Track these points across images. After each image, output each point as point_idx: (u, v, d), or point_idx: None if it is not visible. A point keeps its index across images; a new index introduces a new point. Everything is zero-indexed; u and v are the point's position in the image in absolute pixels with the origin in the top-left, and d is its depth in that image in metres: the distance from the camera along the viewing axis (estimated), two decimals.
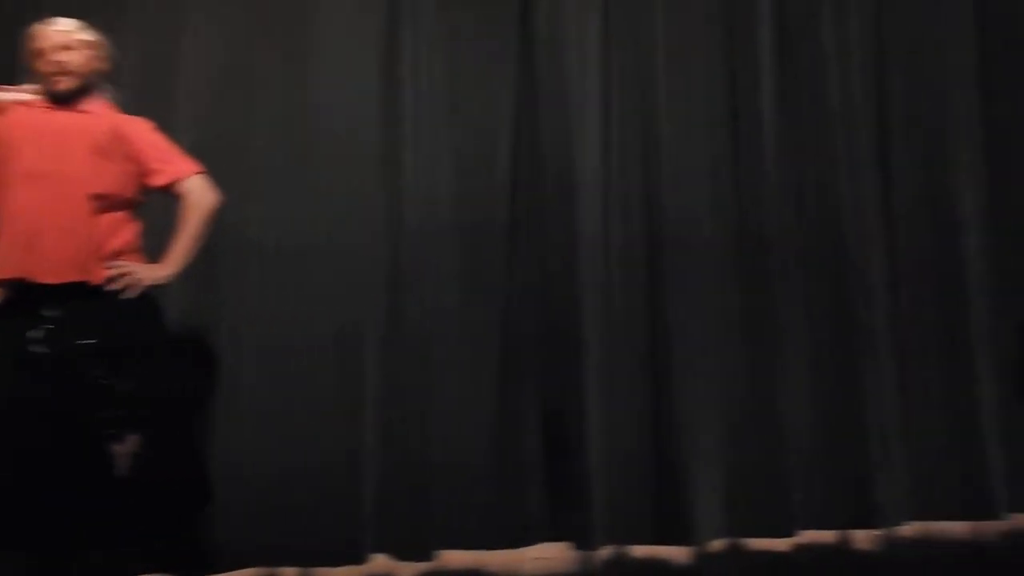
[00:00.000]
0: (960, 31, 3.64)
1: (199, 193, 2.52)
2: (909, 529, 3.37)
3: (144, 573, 2.90)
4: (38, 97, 2.42)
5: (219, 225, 2.64)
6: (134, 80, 3.01)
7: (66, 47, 2.38)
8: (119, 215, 2.40)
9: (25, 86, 2.45)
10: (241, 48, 3.26)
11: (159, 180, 2.49)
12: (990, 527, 3.39)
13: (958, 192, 3.55)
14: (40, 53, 2.39)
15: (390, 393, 3.18)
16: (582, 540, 3.17)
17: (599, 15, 3.44)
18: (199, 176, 2.54)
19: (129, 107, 2.60)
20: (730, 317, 3.37)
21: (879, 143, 3.56)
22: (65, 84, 2.38)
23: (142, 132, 2.50)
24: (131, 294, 2.36)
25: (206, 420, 3.05)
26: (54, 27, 2.41)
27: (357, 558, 3.06)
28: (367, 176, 3.25)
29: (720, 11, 3.51)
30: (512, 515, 3.18)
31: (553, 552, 3.20)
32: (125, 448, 2.34)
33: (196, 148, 2.72)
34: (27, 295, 2.25)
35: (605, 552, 3.18)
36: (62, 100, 2.40)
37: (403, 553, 3.10)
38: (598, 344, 3.24)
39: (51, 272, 2.26)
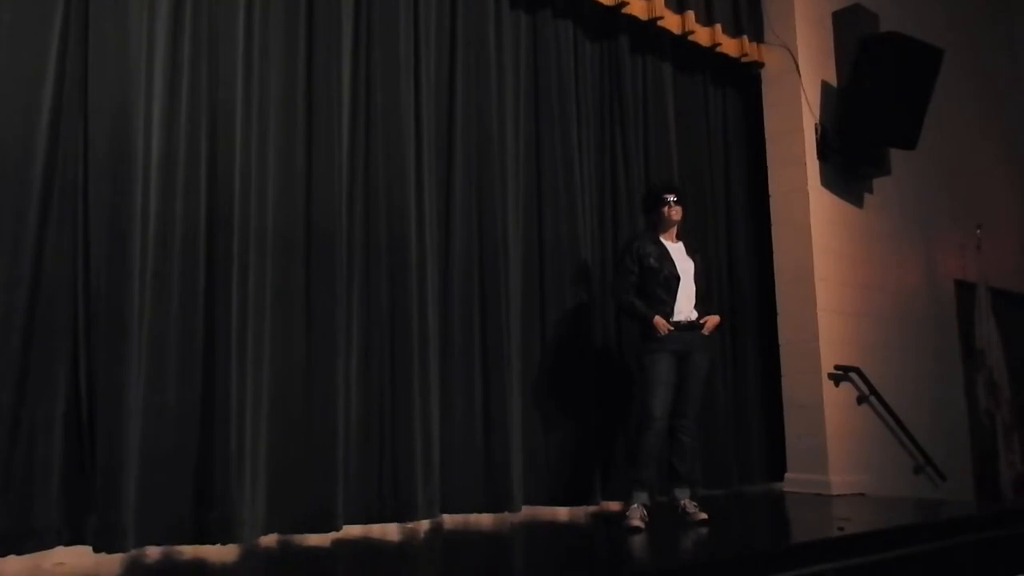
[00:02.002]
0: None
1: None
2: (440, 520, 3.75)
3: None
4: None
5: None
6: None
7: None
8: None
9: None
10: None
11: None
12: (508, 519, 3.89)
13: (503, 208, 4.13)
14: None
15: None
16: (111, 543, 2.91)
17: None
18: None
19: None
20: (289, 311, 3.46)
21: (445, 157, 4.04)
22: None
23: None
24: None
25: None
26: None
27: None
28: None
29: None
30: (24, 519, 2.83)
31: (78, 557, 2.93)
32: None
33: None
34: None
35: (133, 554, 3.00)
36: None
37: None
38: (141, 333, 3.07)
39: None
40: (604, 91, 4.86)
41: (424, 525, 3.70)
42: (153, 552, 3.08)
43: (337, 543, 3.37)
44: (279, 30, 3.60)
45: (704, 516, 3.69)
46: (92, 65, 3.09)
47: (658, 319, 3.69)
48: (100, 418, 2.95)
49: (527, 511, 4.02)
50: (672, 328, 3.70)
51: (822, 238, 5.27)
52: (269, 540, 3.31)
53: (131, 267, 3.03)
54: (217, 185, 3.33)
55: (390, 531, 3.64)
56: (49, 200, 3.00)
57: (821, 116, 5.38)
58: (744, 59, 5.38)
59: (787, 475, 5.15)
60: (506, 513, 3.90)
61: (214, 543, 3.13)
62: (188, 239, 3.24)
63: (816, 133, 5.33)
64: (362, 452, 3.58)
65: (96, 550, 2.90)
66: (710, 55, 5.29)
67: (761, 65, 5.50)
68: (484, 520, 3.88)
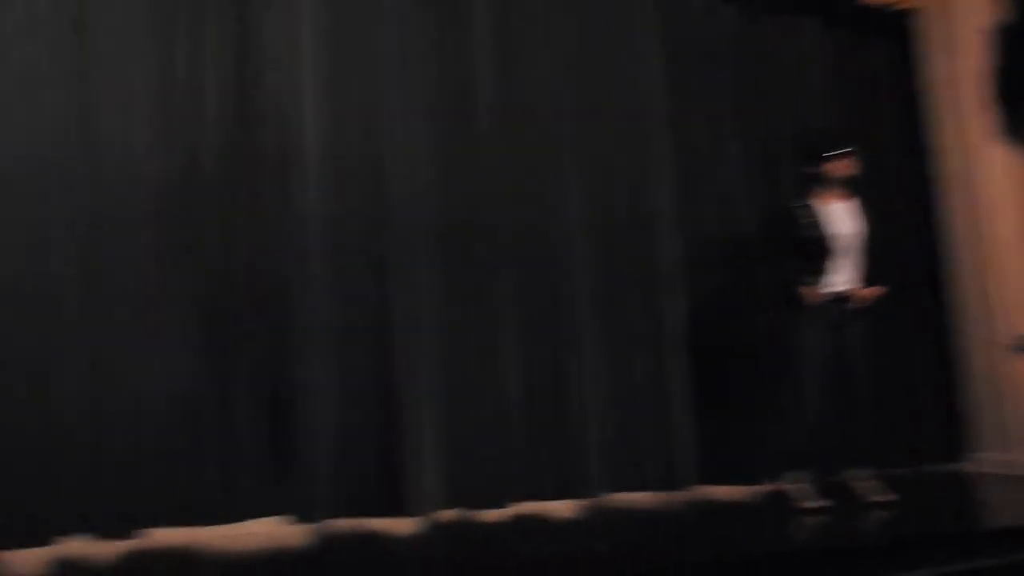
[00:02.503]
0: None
1: None
2: (608, 499, 3.69)
3: None
4: None
5: None
6: None
7: None
8: None
9: None
10: None
11: None
12: (676, 497, 3.79)
13: (652, 194, 4.00)
14: None
15: (90, 356, 2.93)
16: (304, 514, 3.09)
17: None
18: None
19: None
20: (451, 297, 3.51)
21: (582, 146, 3.93)
22: None
23: None
24: None
25: None
26: None
27: (45, 539, 2.73)
28: (68, 133, 2.99)
29: None
30: (227, 489, 3.03)
31: (272, 527, 3.08)
32: None
33: None
34: None
35: (328, 525, 3.12)
36: None
37: (103, 531, 2.82)
38: (317, 319, 3.23)
39: None
40: (743, 49, 4.63)
41: (595, 502, 3.67)
42: (340, 524, 3.20)
43: (512, 518, 3.41)
44: (426, 29, 3.63)
45: (886, 497, 3.47)
46: (256, 75, 3.28)
47: (813, 289, 3.37)
48: (295, 402, 3.15)
49: (693, 491, 3.93)
50: (831, 297, 3.39)
51: (998, 194, 4.85)
52: (448, 515, 3.37)
53: (307, 261, 3.23)
54: (381, 180, 3.44)
55: (561, 508, 3.62)
56: (229, 204, 3.19)
57: (988, 60, 4.92)
58: (897, 5, 5.01)
59: (971, 454, 4.81)
60: (672, 492, 3.83)
61: (395, 516, 3.23)
62: (362, 235, 3.38)
63: (985, 79, 4.87)
64: (533, 431, 3.59)
65: (291, 522, 3.07)
66: (857, 6, 4.96)
67: (914, 11, 5.10)
68: (648, 499, 3.82)
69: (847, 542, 2.93)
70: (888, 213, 5.00)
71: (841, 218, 3.47)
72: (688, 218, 4.17)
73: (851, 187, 3.53)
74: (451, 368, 3.46)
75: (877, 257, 4.66)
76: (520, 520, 3.38)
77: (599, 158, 3.96)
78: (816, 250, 3.42)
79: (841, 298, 3.43)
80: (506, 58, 3.78)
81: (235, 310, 3.15)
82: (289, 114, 3.29)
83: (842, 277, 3.44)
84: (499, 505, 3.43)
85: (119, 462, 2.87)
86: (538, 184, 3.76)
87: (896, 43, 5.17)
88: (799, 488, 3.44)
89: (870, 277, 3.54)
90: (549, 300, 3.71)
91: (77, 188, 2.97)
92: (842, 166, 3.45)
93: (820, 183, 3.48)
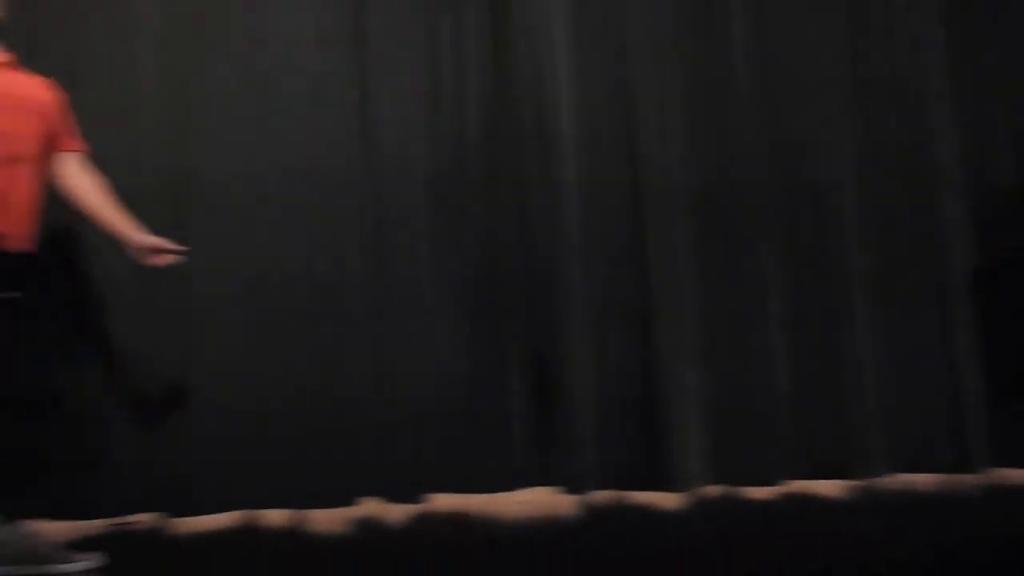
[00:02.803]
0: None
1: (88, 170, 2.59)
2: (889, 480, 3.44)
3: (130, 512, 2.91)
4: None
5: (193, 171, 2.93)
6: (96, 25, 3.07)
7: None
8: (29, 172, 2.40)
9: None
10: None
11: (70, 146, 2.56)
12: (965, 480, 3.46)
13: (931, 141, 3.61)
14: None
15: (375, 336, 3.19)
16: (570, 485, 3.19)
17: None
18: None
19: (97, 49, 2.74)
20: (711, 263, 3.41)
21: (852, 94, 3.60)
22: None
23: (54, 95, 2.53)
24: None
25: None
26: None
27: (347, 501, 3.06)
28: (339, 121, 3.24)
29: None
30: (499, 459, 3.21)
31: (541, 496, 3.21)
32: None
33: (164, 98, 3.00)
34: None
35: (593, 497, 3.20)
36: None
37: (392, 496, 3.09)
38: (581, 289, 3.27)
39: (12, 237, 2.33)
40: None
41: (871, 483, 3.45)
42: (605, 495, 3.27)
43: (781, 497, 3.29)
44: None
45: None
46: (514, 60, 3.36)
47: None
48: (560, 375, 3.25)
49: (986, 474, 3.55)
50: None
51: None
52: (713, 491, 3.33)
53: (565, 236, 3.29)
54: (636, 150, 3.39)
55: (833, 488, 3.44)
56: (490, 183, 3.33)
57: None
58: None
59: None
60: (961, 474, 3.49)
61: (659, 490, 3.24)
62: (620, 207, 3.37)
63: None
64: (804, 403, 3.42)
65: (559, 492, 3.19)
66: None
67: None
68: (931, 481, 3.51)
69: None
70: None
71: None
72: (975, 169, 3.74)
73: None
74: (713, 337, 3.38)
75: None
76: (789, 499, 3.25)
77: (871, 110, 3.65)
78: None
79: None
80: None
81: (502, 288, 3.30)
82: (544, 91, 3.34)
83: None
84: (767, 483, 3.32)
85: (405, 434, 3.12)
86: (803, 143, 3.54)
87: None
88: None
89: None
90: (817, 263, 3.49)
91: (357, 183, 3.23)
92: None
93: None
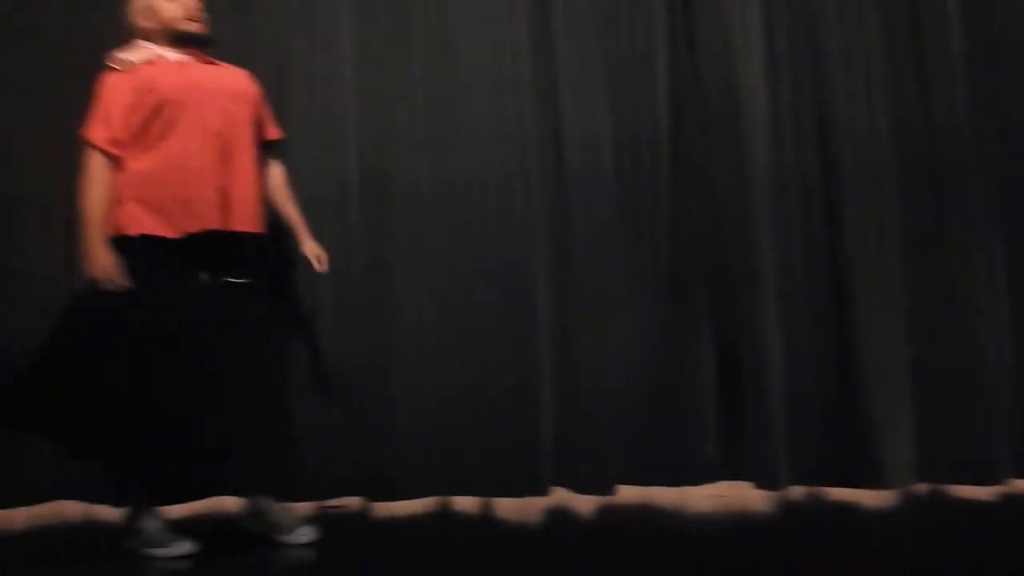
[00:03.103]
0: None
1: (277, 162, 2.76)
2: None
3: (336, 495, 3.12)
4: (166, 53, 2.56)
5: (381, 168, 3.10)
6: (301, 44, 3.28)
7: None
8: (247, 160, 2.56)
9: (141, 43, 2.60)
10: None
11: (272, 134, 2.73)
12: None
13: None
14: (157, 6, 2.56)
15: (563, 327, 3.23)
16: (763, 479, 3.09)
17: None
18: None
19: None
20: (914, 241, 3.17)
21: None
22: (200, 28, 2.56)
23: (257, 86, 2.68)
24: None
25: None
26: None
27: (539, 490, 3.12)
28: (524, 115, 3.27)
29: None
30: (688, 451, 3.15)
31: (731, 491, 3.13)
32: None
33: (363, 109, 3.18)
34: (197, 244, 2.43)
35: (788, 492, 3.08)
36: (195, 47, 2.57)
37: (582, 487, 3.13)
38: (773, 276, 3.13)
39: (243, 223, 2.49)
40: None
41: None
42: (802, 491, 3.13)
43: (999, 497, 3.02)
44: None
45: None
46: (699, 39, 3.27)
47: None
48: (746, 361, 3.13)
49: None
50: None
51: None
52: (921, 489, 3.11)
53: (755, 218, 3.15)
54: (826, 127, 3.21)
55: None
56: (677, 166, 3.26)
57: None
58: None
59: None
60: None
61: (861, 487, 3.07)
62: (803, 185, 3.20)
63: None
64: (1022, 397, 3.12)
65: (752, 487, 3.09)
66: None
67: None
68: None
69: None
70: None
71: None
72: None
73: None
74: (919, 322, 3.14)
75: None
76: (1011, 501, 2.98)
77: None
78: None
79: None
80: None
81: (691, 275, 3.23)
82: (735, 65, 3.23)
83: None
84: (984, 481, 3.05)
85: (593, 426, 3.13)
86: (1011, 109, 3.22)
87: None
88: None
89: None
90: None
91: (546, 175, 3.27)
92: None
93: None
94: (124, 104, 2.45)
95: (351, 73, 3.30)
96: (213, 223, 2.43)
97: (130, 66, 2.50)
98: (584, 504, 3.08)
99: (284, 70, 3.25)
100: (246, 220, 2.50)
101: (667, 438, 3.14)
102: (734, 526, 2.78)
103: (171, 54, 2.57)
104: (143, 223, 2.42)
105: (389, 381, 3.19)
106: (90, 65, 2.63)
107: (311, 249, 2.74)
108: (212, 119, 2.46)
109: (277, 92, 3.04)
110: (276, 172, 2.76)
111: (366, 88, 3.28)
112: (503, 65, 3.29)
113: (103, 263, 2.37)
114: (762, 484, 3.09)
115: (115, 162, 2.46)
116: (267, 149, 2.73)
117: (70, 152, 2.65)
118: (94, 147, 2.46)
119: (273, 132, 2.75)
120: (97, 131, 2.46)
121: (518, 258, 3.23)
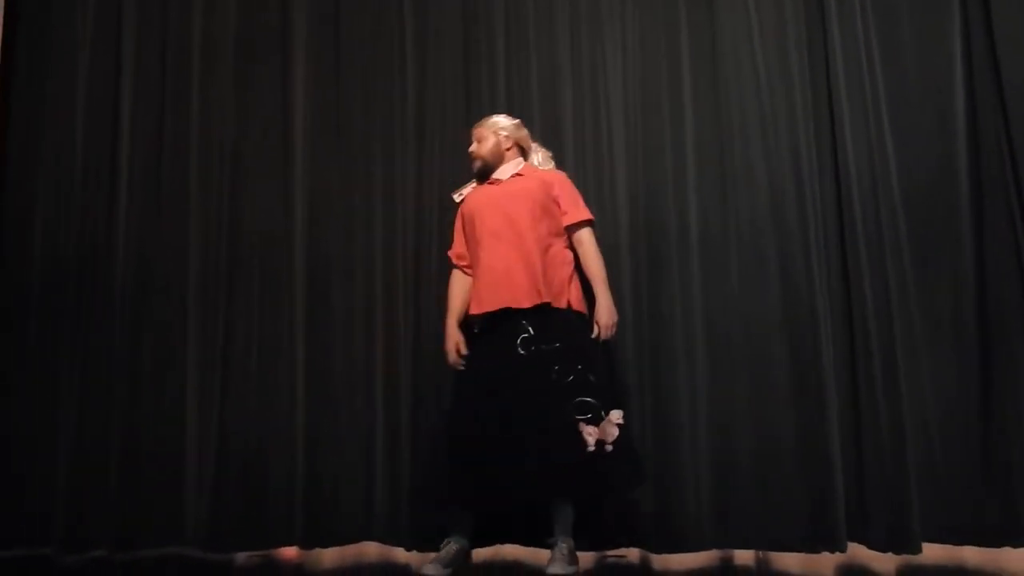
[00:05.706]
0: None
1: (588, 240, 3.06)
2: None
3: (617, 546, 3.11)
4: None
5: (657, 219, 3.25)
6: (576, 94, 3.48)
7: (477, 139, 3.17)
8: (558, 248, 3.00)
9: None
10: (662, 53, 3.48)
11: (567, 221, 3.05)
12: None
13: None
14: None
15: (851, 379, 3.13)
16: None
17: None
18: (589, 225, 3.08)
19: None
20: None
21: None
22: (475, 165, 3.17)
23: (560, 182, 3.11)
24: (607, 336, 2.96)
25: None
26: (475, 126, 3.21)
27: (834, 546, 2.99)
28: (799, 157, 3.26)
29: None
30: (1001, 508, 2.93)
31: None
32: (597, 429, 2.69)
33: (628, 149, 3.33)
34: (502, 319, 2.89)
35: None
36: (484, 176, 3.15)
37: (879, 544, 2.98)
38: None
39: (523, 299, 2.87)
40: None
41: None
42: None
43: None
44: None
45: None
46: (1001, 56, 3.12)
47: None
48: None
49: None
50: None
51: None
52: None
53: None
54: None
55: None
56: (978, 194, 3.11)
57: None
58: None
59: None
60: None
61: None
62: None
63: None
64: None
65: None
66: None
67: None
68: None
69: None
70: None
71: None
72: None
73: None
74: None
75: None
76: None
77: None
78: None
79: None
80: None
81: (991, 311, 3.05)
82: None
83: None
84: None
85: (896, 481, 2.98)
86: None
87: None
88: None
89: None
90: None
91: (826, 215, 3.25)
92: None
93: None
94: None
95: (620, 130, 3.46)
96: (499, 303, 2.90)
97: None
98: (883, 562, 2.94)
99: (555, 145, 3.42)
100: (558, 297, 2.93)
101: (976, 493, 2.94)
102: None
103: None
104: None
105: (667, 431, 3.18)
106: None
107: (600, 318, 2.96)
108: (493, 224, 3.01)
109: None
110: (583, 250, 3.06)
111: (630, 144, 3.43)
112: (775, 104, 3.33)
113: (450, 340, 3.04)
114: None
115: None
116: (573, 230, 3.07)
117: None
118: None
119: (572, 216, 3.06)
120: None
121: (800, 307, 3.17)
